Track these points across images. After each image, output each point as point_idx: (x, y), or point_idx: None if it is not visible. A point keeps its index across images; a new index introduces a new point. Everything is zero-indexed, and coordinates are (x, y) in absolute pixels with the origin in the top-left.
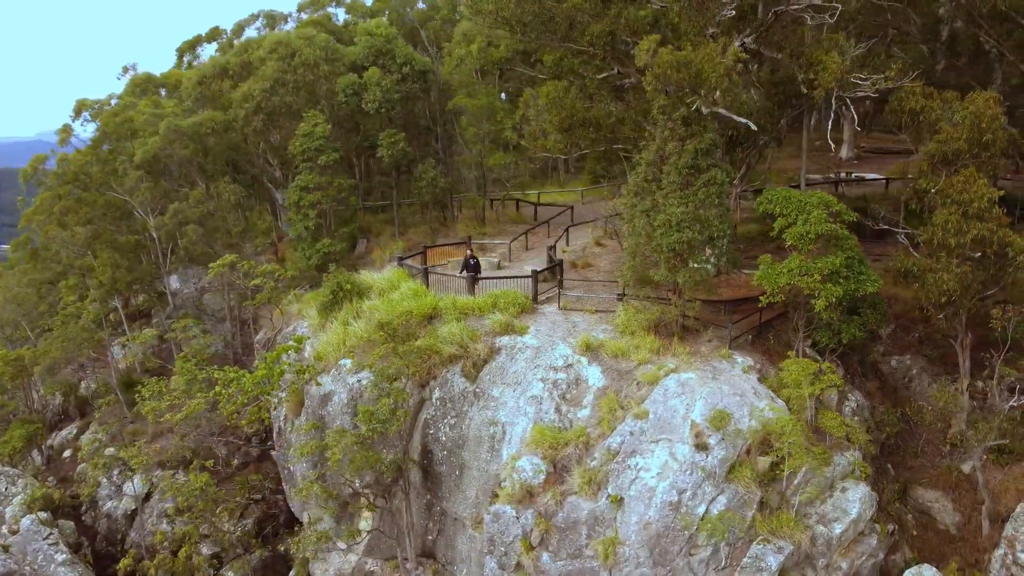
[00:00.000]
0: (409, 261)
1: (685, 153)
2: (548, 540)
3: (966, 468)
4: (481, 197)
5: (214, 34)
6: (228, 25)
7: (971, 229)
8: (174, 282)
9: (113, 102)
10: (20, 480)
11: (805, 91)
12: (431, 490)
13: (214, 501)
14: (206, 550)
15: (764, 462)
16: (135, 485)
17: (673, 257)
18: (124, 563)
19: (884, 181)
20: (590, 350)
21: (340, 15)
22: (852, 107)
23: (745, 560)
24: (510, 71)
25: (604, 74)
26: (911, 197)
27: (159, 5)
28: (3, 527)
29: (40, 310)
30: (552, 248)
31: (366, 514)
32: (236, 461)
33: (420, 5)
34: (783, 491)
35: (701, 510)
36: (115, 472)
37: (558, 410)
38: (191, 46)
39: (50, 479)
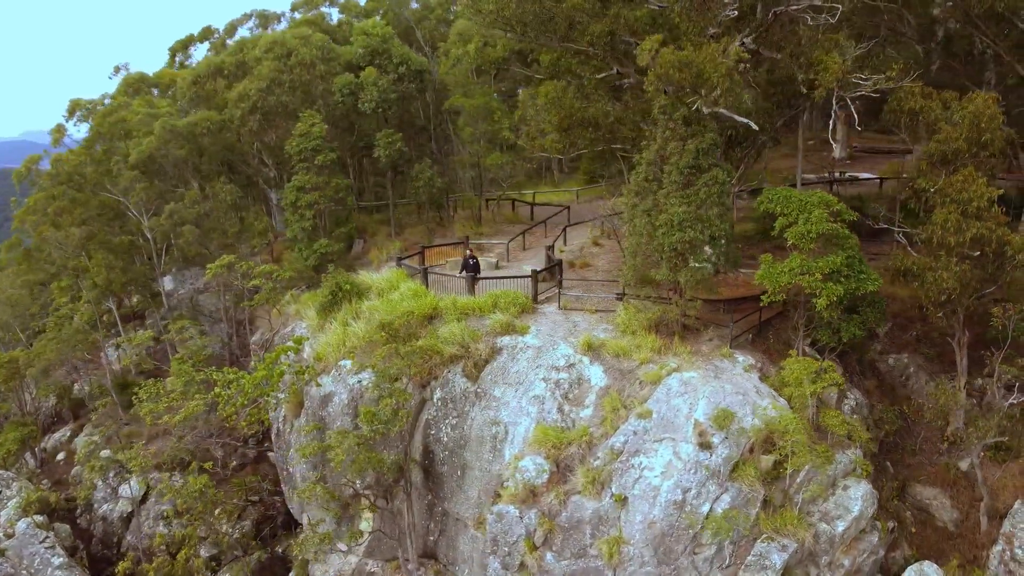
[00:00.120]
0: (407, 261)
1: (686, 153)
2: (552, 540)
3: (963, 465)
4: (477, 197)
5: (206, 34)
6: (220, 25)
7: (970, 228)
8: (167, 283)
9: (107, 102)
10: (15, 483)
11: (805, 91)
12: (432, 490)
13: (213, 503)
14: (204, 552)
15: (767, 460)
16: (132, 487)
17: (675, 256)
18: (123, 566)
19: (878, 180)
20: (592, 350)
21: (334, 15)
22: (851, 107)
23: (750, 558)
24: (505, 71)
25: (603, 74)
26: (910, 196)
27: (146, 4)
28: None
29: (31, 311)
30: (550, 248)
31: (367, 515)
32: (233, 463)
33: (413, 5)
34: (786, 489)
35: (705, 509)
36: (111, 475)
37: (560, 410)
38: (183, 46)
39: (44, 482)
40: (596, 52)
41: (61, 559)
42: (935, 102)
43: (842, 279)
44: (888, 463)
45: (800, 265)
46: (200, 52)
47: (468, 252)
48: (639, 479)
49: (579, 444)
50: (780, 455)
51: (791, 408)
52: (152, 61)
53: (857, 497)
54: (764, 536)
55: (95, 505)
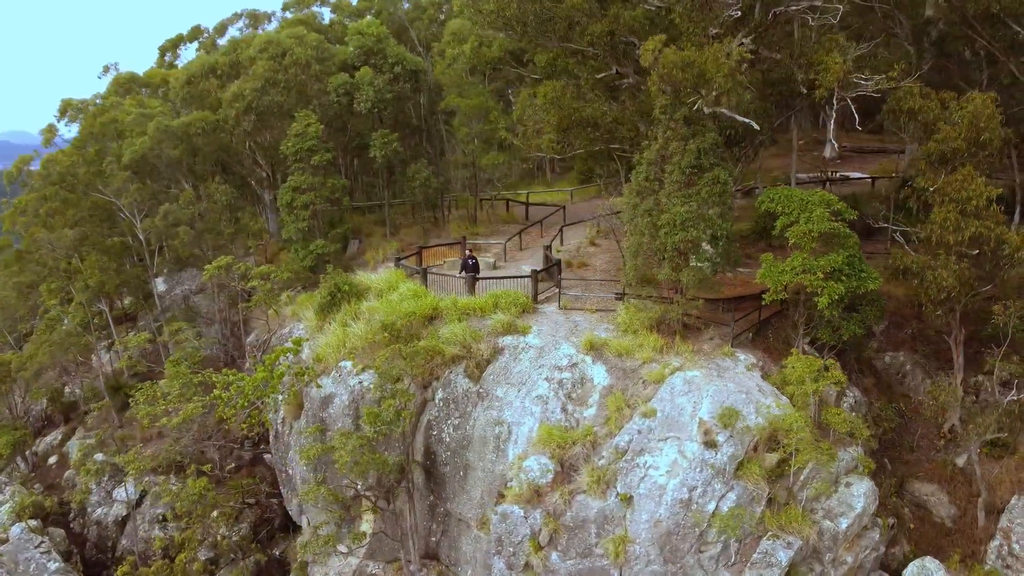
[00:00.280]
0: (406, 262)
1: (688, 153)
2: (557, 539)
3: (960, 462)
4: (472, 197)
5: (196, 33)
6: (210, 24)
7: (969, 226)
8: (160, 284)
9: (98, 102)
10: (8, 488)
11: (805, 91)
12: (434, 491)
13: (211, 506)
14: (201, 555)
15: (772, 458)
16: (128, 491)
17: (677, 256)
18: (122, 570)
19: (870, 180)
20: (594, 349)
21: (325, 14)
22: (851, 107)
23: (755, 556)
24: (500, 71)
25: (602, 74)
26: (908, 195)
27: (129, 3)
28: None
29: (20, 314)
30: (548, 248)
31: (368, 516)
32: (230, 465)
33: (405, 5)
34: (790, 487)
35: (711, 507)
36: (105, 478)
37: (564, 409)
38: (173, 45)
39: (36, 486)
40: (595, 52)
41: (57, 564)
42: (934, 102)
43: (843, 278)
44: (886, 460)
45: (802, 264)
46: (190, 52)
47: (467, 252)
48: (644, 478)
49: (583, 443)
50: (784, 453)
51: (793, 406)
52: (137, 60)
53: (860, 494)
54: (769, 534)
55: (88, 509)
